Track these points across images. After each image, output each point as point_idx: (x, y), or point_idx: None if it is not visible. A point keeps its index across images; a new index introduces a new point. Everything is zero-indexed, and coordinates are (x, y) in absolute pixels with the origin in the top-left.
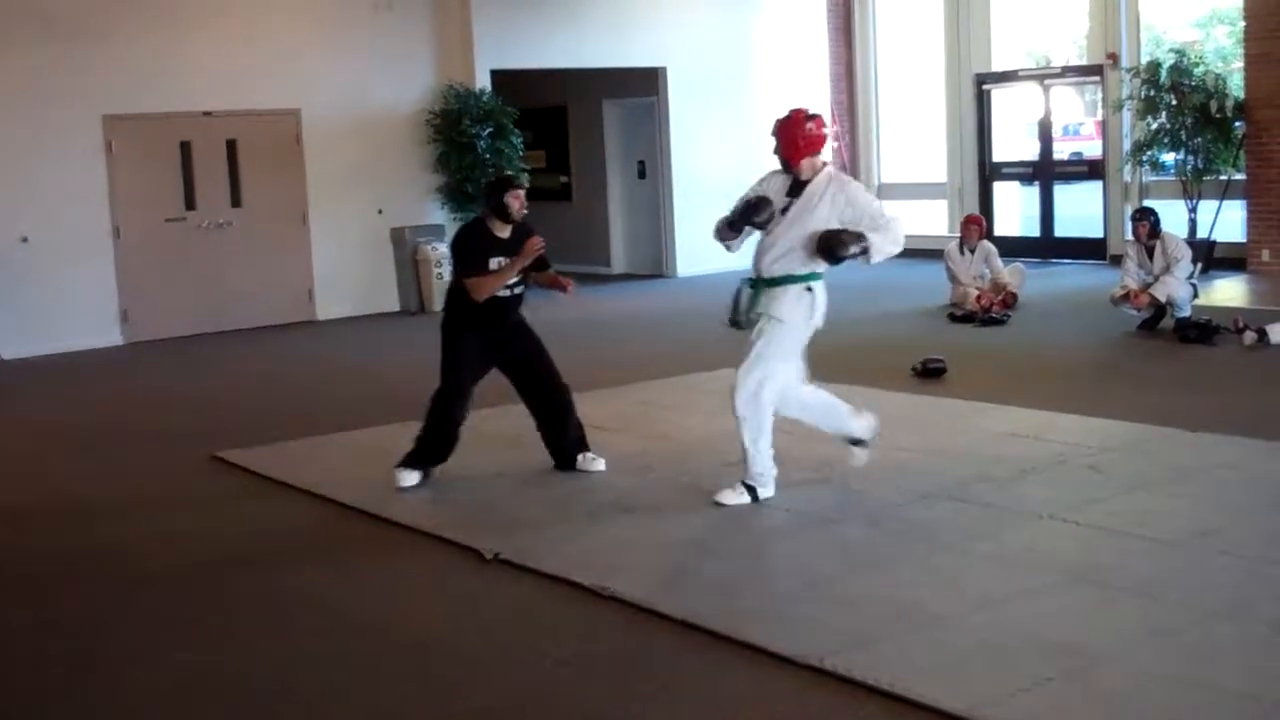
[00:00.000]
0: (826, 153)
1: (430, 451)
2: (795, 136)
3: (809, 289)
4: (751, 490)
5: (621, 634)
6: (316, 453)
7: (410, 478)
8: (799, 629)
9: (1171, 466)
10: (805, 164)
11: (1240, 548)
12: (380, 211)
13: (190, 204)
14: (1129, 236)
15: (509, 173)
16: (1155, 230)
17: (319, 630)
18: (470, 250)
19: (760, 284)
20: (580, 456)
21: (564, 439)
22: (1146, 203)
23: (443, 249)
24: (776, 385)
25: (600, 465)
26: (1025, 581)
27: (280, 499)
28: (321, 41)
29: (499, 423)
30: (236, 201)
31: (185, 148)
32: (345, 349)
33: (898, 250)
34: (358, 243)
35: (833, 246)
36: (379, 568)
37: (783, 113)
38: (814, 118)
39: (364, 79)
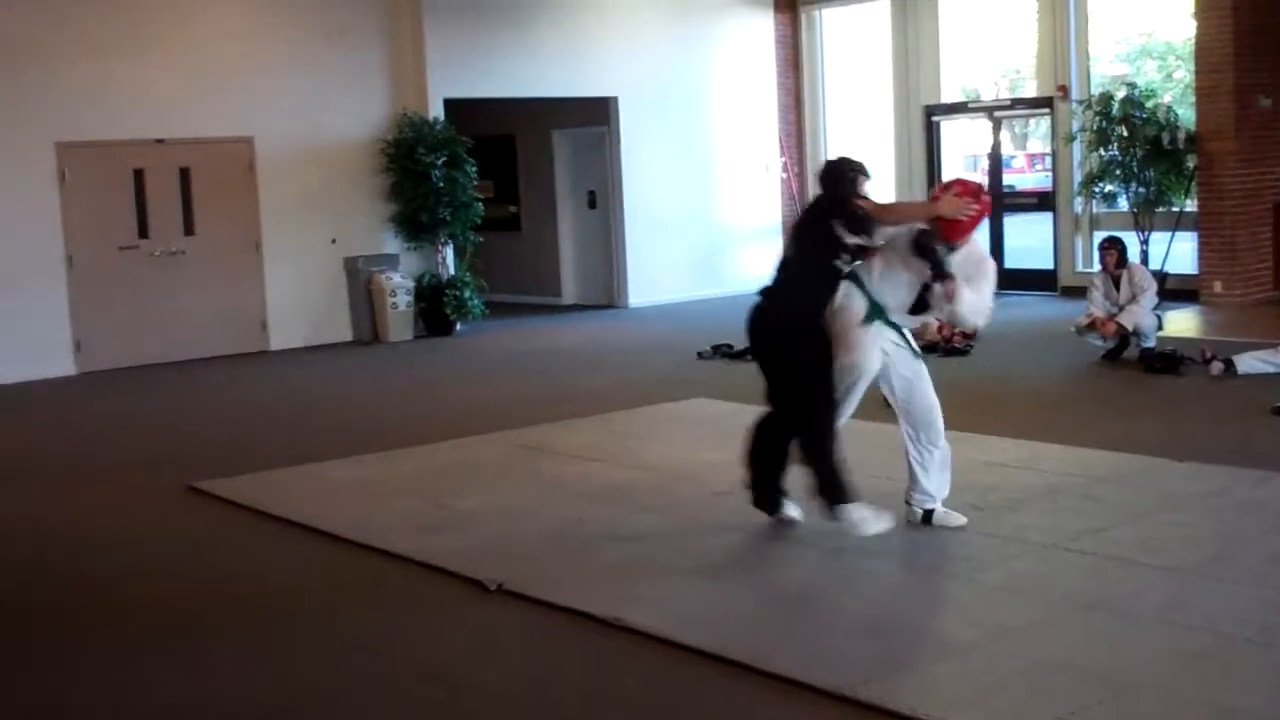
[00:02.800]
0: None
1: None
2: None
3: None
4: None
5: (642, 666)
6: (295, 484)
7: (861, 513)
8: (825, 658)
9: (1165, 495)
10: None
11: (1249, 574)
12: (334, 241)
13: (143, 232)
14: (1095, 266)
15: (848, 158)
16: (1123, 260)
17: (332, 663)
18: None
19: None
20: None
21: None
22: (1098, 234)
23: (396, 278)
24: None
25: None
26: (1041, 610)
27: (269, 531)
28: (275, 69)
29: (476, 451)
30: (190, 230)
31: (138, 175)
32: (302, 380)
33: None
34: (311, 272)
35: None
36: (383, 600)
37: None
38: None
39: (318, 107)
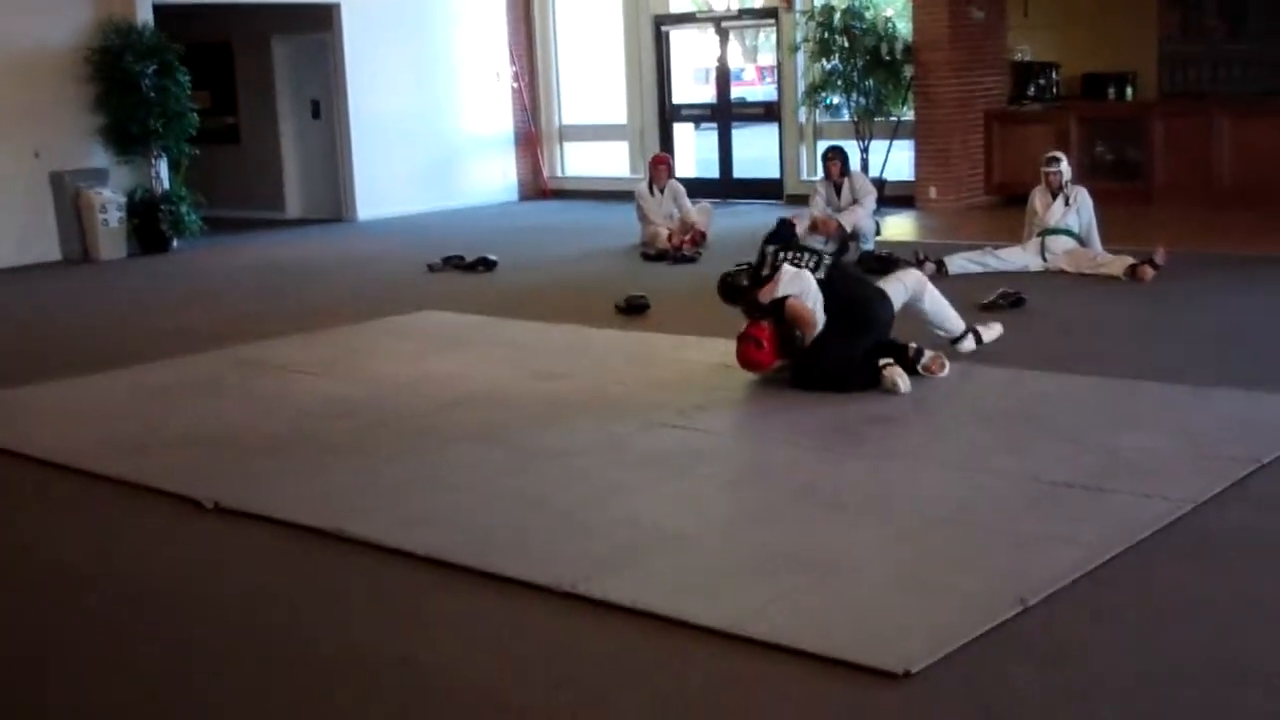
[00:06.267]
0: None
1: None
2: None
3: None
4: None
5: (367, 575)
6: None
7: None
8: (547, 558)
9: (877, 389)
10: None
11: (955, 461)
12: (37, 155)
13: None
14: (818, 175)
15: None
16: (845, 169)
17: (41, 591)
18: None
19: None
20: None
21: None
22: (822, 144)
23: (106, 193)
24: None
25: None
26: (756, 501)
27: None
28: None
29: (192, 370)
30: None
31: None
32: (5, 301)
33: None
34: (13, 188)
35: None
36: (92, 524)
37: None
38: None
39: (14, 15)
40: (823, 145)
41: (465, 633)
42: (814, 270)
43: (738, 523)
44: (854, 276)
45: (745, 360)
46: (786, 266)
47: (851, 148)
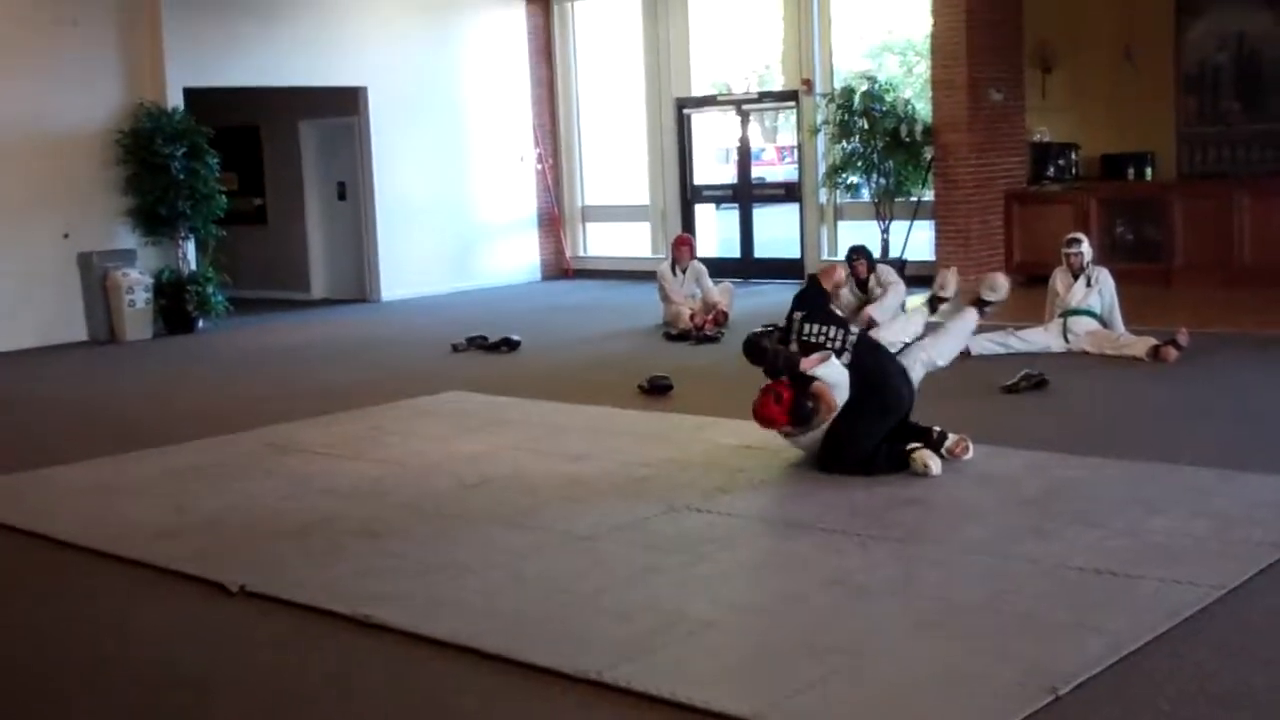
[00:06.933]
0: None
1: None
2: None
3: None
4: None
5: (392, 661)
6: (20, 490)
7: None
8: (571, 645)
9: (902, 471)
10: None
11: (980, 545)
12: (66, 235)
13: None
14: (839, 256)
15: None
16: (871, 266)
17: (71, 673)
18: None
19: None
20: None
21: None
22: (842, 224)
23: (134, 274)
24: None
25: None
26: (784, 586)
27: None
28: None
29: (219, 452)
30: None
31: None
32: (32, 381)
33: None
34: (43, 270)
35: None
36: (119, 607)
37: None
38: None
39: (47, 97)
40: (844, 225)
41: (493, 718)
42: (839, 350)
43: (764, 609)
44: (877, 350)
45: (762, 413)
46: (833, 359)
47: (872, 228)
